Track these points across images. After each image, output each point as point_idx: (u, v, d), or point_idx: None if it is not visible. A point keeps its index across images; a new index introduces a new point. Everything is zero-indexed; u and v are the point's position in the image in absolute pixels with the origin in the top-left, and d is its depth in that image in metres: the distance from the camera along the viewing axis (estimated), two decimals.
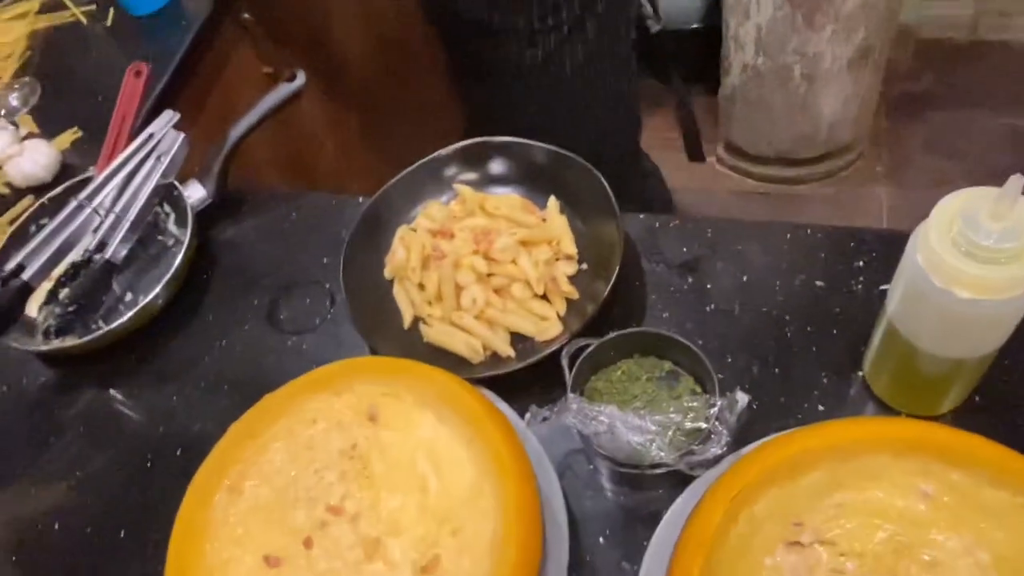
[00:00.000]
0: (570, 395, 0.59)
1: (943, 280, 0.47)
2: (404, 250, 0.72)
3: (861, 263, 0.68)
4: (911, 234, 0.50)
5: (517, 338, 0.69)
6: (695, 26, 1.90)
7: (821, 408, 0.62)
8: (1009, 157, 1.66)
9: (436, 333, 0.69)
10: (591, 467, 0.63)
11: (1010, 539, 0.47)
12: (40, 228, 0.82)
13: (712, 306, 0.69)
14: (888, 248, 0.68)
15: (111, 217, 0.80)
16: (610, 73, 1.11)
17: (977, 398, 0.59)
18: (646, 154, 1.42)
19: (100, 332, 0.74)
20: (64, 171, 0.94)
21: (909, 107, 1.93)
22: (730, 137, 1.88)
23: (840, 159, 1.84)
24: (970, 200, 0.46)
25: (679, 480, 0.58)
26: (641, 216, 0.75)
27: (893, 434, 0.50)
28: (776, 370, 0.64)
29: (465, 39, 1.09)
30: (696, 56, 1.92)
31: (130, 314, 0.75)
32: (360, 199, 0.82)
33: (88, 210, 0.81)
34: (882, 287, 0.66)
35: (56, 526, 0.69)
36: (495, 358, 0.68)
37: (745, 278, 0.70)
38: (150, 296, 0.76)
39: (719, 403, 0.57)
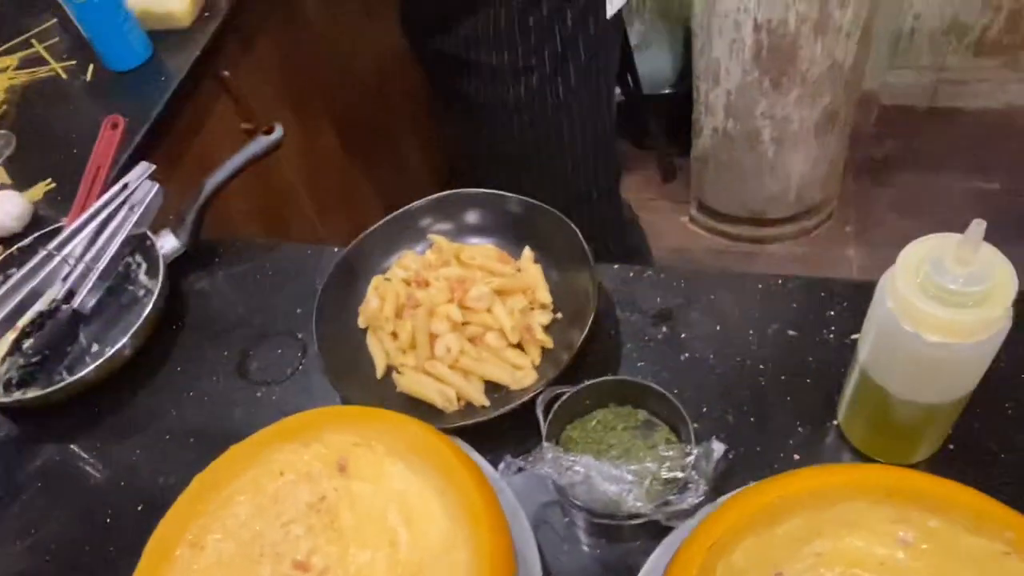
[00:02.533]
0: (545, 444, 0.58)
1: (912, 324, 0.47)
2: (378, 299, 0.72)
3: (832, 312, 0.69)
4: (879, 281, 0.51)
5: (491, 388, 0.68)
6: (667, 91, 1.96)
7: (797, 457, 0.61)
8: (973, 216, 1.71)
9: (409, 382, 0.68)
10: (566, 519, 0.62)
11: None
12: (8, 278, 0.81)
13: (687, 355, 0.69)
14: (858, 298, 0.69)
15: (81, 266, 0.79)
16: (590, 112, 1.14)
17: (951, 446, 0.59)
18: (628, 204, 1.45)
19: (63, 383, 0.72)
20: (36, 222, 0.93)
21: (875, 170, 1.99)
22: (703, 197, 1.91)
23: (810, 219, 1.88)
24: (935, 246, 0.47)
25: (656, 532, 0.57)
26: (615, 266, 0.76)
27: (870, 481, 0.49)
28: (752, 419, 0.64)
29: (449, 76, 1.12)
30: (669, 120, 1.98)
31: (95, 365, 0.73)
32: (336, 249, 0.82)
33: (57, 259, 0.80)
34: (853, 336, 0.67)
35: None
36: (469, 408, 0.67)
37: (719, 327, 0.70)
38: (116, 346, 0.74)
39: (695, 452, 0.57)
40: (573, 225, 0.72)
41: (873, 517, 0.49)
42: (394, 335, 0.71)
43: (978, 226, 0.43)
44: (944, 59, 1.98)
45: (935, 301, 0.46)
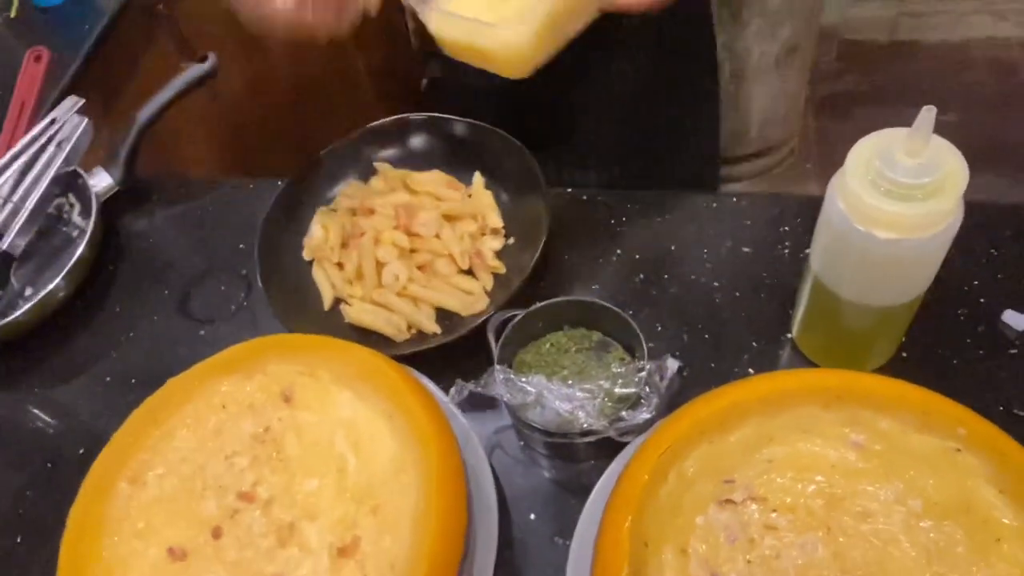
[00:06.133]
0: (496, 366, 0.57)
1: (864, 222, 0.46)
2: (322, 230, 0.69)
3: (786, 228, 0.68)
4: (829, 183, 0.50)
5: (443, 315, 0.66)
6: None
7: (751, 371, 0.61)
8: None
9: (357, 313, 0.66)
10: (521, 443, 0.61)
11: (940, 484, 0.46)
12: None
13: (641, 276, 0.67)
14: (811, 213, 0.66)
15: (8, 207, 0.75)
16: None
17: (904, 354, 0.59)
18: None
19: None
20: None
21: (835, 106, 1.98)
22: None
23: (772, 157, 1.87)
24: (885, 140, 0.46)
25: (611, 451, 0.56)
26: (568, 190, 0.74)
27: (821, 384, 0.49)
28: (706, 336, 0.63)
29: None
30: None
31: (26, 307, 0.70)
32: (279, 183, 0.78)
33: None
34: (807, 251, 0.65)
35: None
36: (420, 336, 0.65)
37: (673, 247, 0.69)
38: (48, 288, 0.71)
39: (648, 367, 0.56)
40: (522, 146, 0.70)
41: (824, 421, 0.48)
42: (340, 266, 0.68)
43: (928, 114, 0.42)
44: None
45: (887, 197, 0.45)
